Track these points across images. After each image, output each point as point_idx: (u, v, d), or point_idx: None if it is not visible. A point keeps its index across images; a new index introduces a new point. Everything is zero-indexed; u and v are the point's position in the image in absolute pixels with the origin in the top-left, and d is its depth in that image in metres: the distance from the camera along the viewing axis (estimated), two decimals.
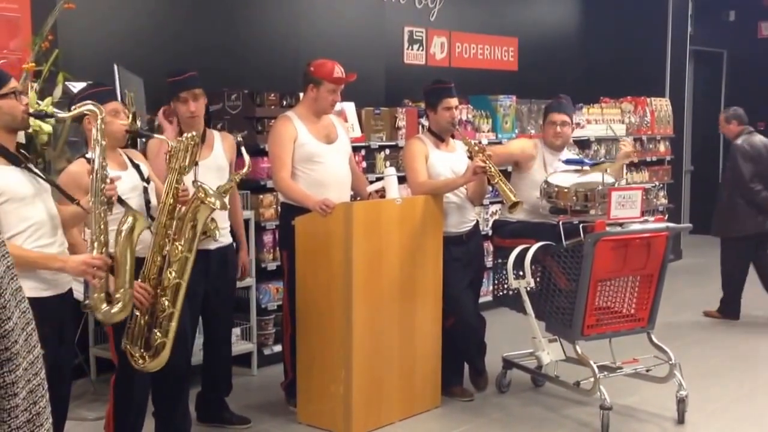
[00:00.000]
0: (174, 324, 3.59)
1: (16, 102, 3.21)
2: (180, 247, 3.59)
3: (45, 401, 1.56)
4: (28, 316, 1.53)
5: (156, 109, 5.11)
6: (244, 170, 4.12)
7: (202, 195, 3.64)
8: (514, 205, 4.54)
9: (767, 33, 11.39)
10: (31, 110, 3.41)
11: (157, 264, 3.59)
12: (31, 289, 3.12)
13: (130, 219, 3.39)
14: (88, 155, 3.54)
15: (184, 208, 3.65)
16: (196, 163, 3.83)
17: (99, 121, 3.37)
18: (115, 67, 3.65)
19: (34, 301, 2.97)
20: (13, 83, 3.24)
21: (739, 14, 11.46)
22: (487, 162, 4.56)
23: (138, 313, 3.55)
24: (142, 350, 3.58)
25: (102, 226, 3.28)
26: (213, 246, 4.26)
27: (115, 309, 3.33)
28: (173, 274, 3.57)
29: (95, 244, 3.26)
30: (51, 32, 4.81)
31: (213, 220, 3.89)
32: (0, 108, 3.17)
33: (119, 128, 3.67)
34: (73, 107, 3.45)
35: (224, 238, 4.36)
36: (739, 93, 11.53)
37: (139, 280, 3.53)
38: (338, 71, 4.58)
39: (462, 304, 4.81)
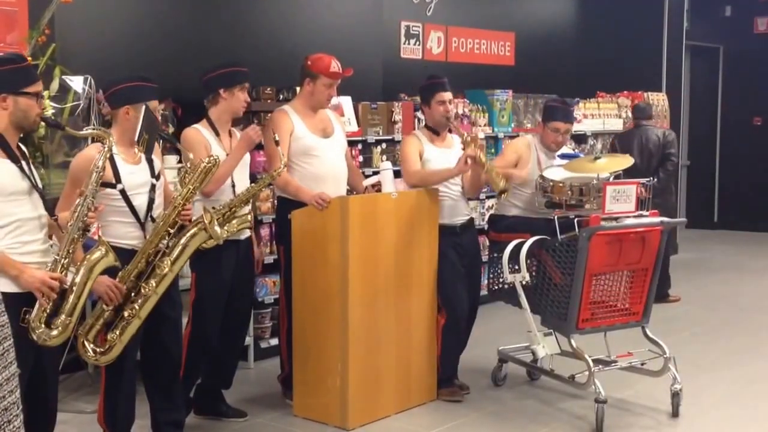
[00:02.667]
0: (132, 329, 3.62)
1: (35, 104, 3.24)
2: (167, 262, 3.62)
3: (20, 422, 1.47)
4: (5, 331, 1.43)
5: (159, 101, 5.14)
6: (280, 169, 4.27)
7: (207, 221, 3.67)
8: (501, 192, 4.58)
9: (763, 28, 11.40)
10: (46, 114, 3.46)
11: (140, 268, 3.63)
12: (6, 283, 3.15)
13: (99, 252, 3.38)
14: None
15: (184, 227, 3.71)
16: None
17: (105, 149, 3.41)
18: (143, 107, 3.74)
19: (11, 297, 3.00)
20: (38, 86, 3.28)
21: (736, 9, 11.48)
22: (478, 152, 4.58)
23: (104, 307, 3.60)
24: (92, 345, 3.60)
25: (70, 250, 3.27)
26: (243, 236, 4.34)
27: (54, 333, 3.25)
28: (152, 285, 3.61)
29: (57, 265, 3.25)
30: (48, 26, 4.82)
31: (251, 212, 4.23)
32: (18, 104, 3.20)
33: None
34: (86, 128, 3.52)
35: (248, 230, 4.44)
36: (735, 88, 11.57)
37: (118, 278, 3.59)
38: (335, 66, 4.60)
39: (453, 295, 4.81)
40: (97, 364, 3.72)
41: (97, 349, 3.60)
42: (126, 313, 3.60)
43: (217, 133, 4.34)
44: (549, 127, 5.01)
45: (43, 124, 3.44)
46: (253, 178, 5.52)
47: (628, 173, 5.05)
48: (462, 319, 4.85)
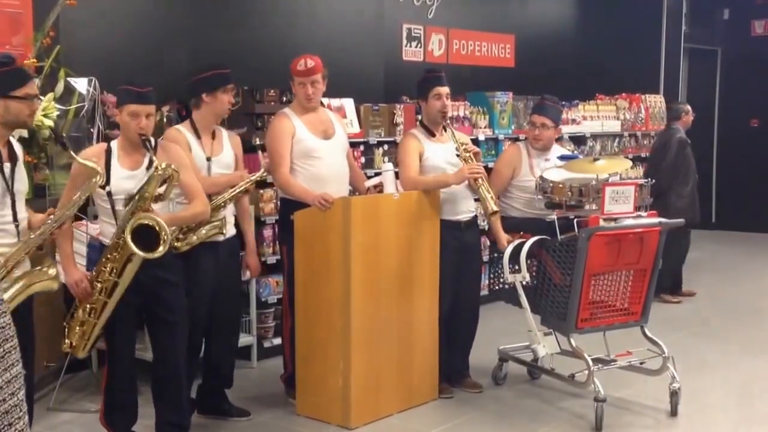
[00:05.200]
0: (95, 331, 3.73)
1: (25, 107, 3.21)
2: (110, 268, 3.63)
3: (23, 424, 1.44)
4: (7, 332, 1.40)
5: (163, 102, 5.18)
6: (257, 174, 4.33)
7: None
8: (493, 213, 4.62)
9: (760, 31, 11.45)
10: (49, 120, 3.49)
11: (106, 271, 3.68)
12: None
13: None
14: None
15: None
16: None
17: (92, 182, 3.45)
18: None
19: None
20: (30, 87, 3.23)
21: (733, 12, 11.52)
22: (480, 171, 4.63)
23: (79, 307, 3.74)
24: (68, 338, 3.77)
25: (18, 259, 3.29)
26: (221, 238, 4.34)
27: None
28: (97, 289, 3.68)
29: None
30: (52, 28, 4.86)
31: (224, 218, 4.27)
32: (8, 108, 3.18)
33: (134, 130, 3.74)
34: (83, 159, 3.55)
35: (231, 230, 4.44)
36: (732, 90, 11.62)
37: (89, 278, 3.71)
38: (301, 64, 4.62)
39: (440, 292, 4.82)
40: (74, 354, 3.86)
41: (67, 341, 3.76)
42: (86, 316, 3.70)
43: (198, 135, 4.36)
44: (529, 122, 5.11)
45: (47, 123, 3.46)
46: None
47: None
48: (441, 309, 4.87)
